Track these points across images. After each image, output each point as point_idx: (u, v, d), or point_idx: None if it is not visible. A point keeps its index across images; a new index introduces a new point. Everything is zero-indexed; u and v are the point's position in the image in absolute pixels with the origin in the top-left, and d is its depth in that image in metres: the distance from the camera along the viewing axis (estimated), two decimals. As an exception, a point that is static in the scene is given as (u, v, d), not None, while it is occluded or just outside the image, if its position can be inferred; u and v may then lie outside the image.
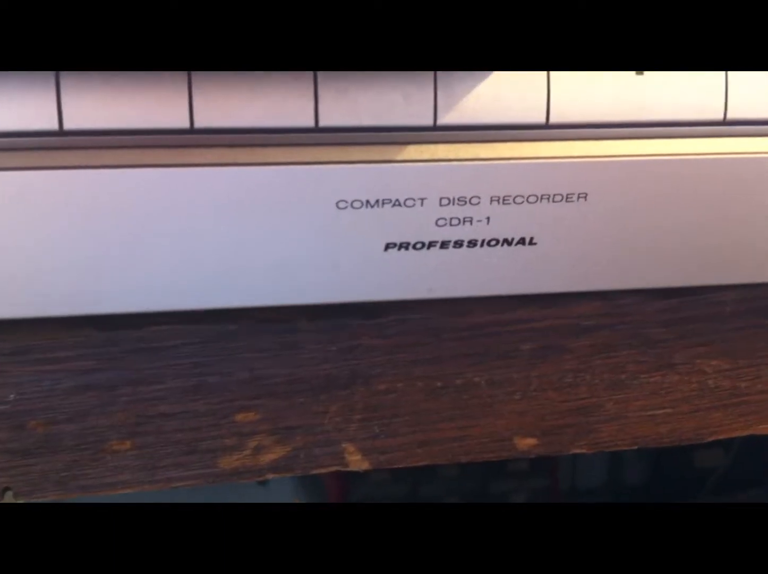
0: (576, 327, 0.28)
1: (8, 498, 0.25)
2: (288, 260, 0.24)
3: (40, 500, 0.25)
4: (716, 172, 0.25)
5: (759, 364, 0.29)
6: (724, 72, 0.24)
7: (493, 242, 0.25)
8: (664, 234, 0.26)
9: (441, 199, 0.24)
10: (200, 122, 0.22)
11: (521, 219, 0.24)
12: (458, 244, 0.24)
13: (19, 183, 0.21)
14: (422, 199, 0.23)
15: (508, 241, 0.25)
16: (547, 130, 0.24)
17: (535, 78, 0.23)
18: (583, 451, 0.28)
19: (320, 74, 0.22)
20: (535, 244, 0.25)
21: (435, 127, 0.23)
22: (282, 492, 0.51)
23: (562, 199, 0.24)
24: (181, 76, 0.21)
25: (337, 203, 0.23)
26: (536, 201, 0.24)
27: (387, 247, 0.24)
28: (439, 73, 0.23)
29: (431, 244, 0.24)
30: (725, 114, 0.24)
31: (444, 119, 0.23)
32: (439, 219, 0.24)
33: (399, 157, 0.23)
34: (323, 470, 0.27)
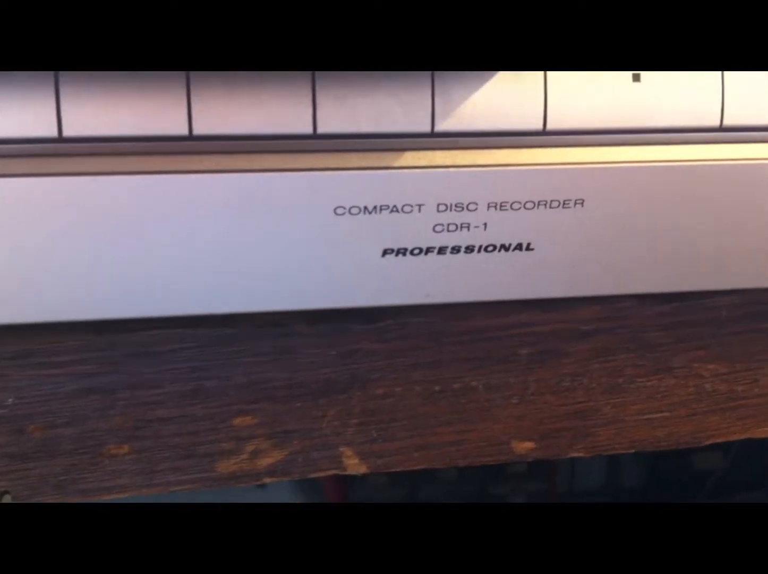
0: (576, 331, 0.28)
1: (6, 502, 0.25)
2: (286, 266, 0.24)
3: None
4: (712, 178, 0.25)
5: (756, 368, 0.29)
6: (720, 78, 0.24)
7: (490, 248, 0.25)
8: (660, 240, 0.26)
9: (438, 205, 0.24)
10: (199, 129, 0.22)
11: (518, 225, 0.24)
12: (455, 250, 0.24)
13: (19, 190, 0.21)
14: (420, 206, 0.24)
15: (505, 247, 0.25)
16: (544, 136, 0.24)
17: (532, 85, 0.23)
18: (581, 455, 0.28)
19: (318, 81, 0.22)
20: (532, 249, 0.25)
21: (432, 134, 0.23)
22: (280, 495, 0.51)
23: (558, 206, 0.24)
24: (180, 83, 0.21)
25: (335, 209, 0.23)
26: (533, 207, 0.24)
27: (385, 253, 0.24)
28: (436, 80, 0.23)
29: (429, 250, 0.24)
30: (722, 121, 0.24)
31: (441, 126, 0.23)
32: (436, 225, 0.24)
33: (397, 164, 0.23)
34: (321, 474, 0.27)
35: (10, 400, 0.24)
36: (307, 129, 0.22)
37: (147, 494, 0.26)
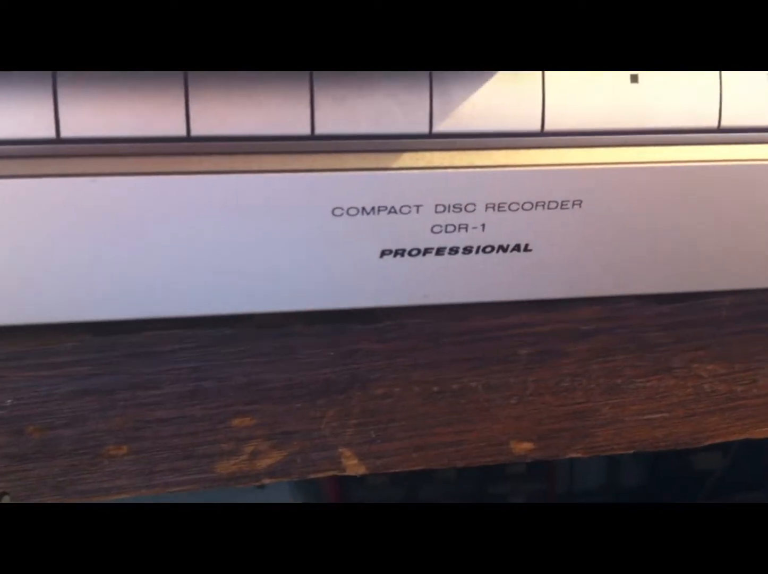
0: (575, 331, 0.28)
1: (5, 503, 0.25)
2: (284, 267, 0.24)
3: (37, 504, 0.25)
4: (710, 179, 0.25)
5: (755, 368, 0.29)
6: (718, 79, 0.24)
7: (488, 249, 0.25)
8: (658, 241, 0.26)
9: (436, 206, 0.24)
10: (197, 130, 0.22)
11: (516, 226, 0.24)
12: (454, 250, 0.24)
13: (17, 191, 0.21)
14: (418, 206, 0.24)
15: (503, 248, 0.25)
16: (542, 137, 0.24)
17: (530, 86, 0.23)
18: (580, 455, 0.28)
19: (316, 81, 0.22)
20: (530, 250, 0.25)
21: (431, 135, 0.23)
22: (279, 496, 0.51)
23: (557, 206, 0.24)
24: (178, 83, 0.21)
25: (333, 210, 0.23)
26: (531, 208, 0.24)
27: (383, 253, 0.24)
28: (435, 80, 0.23)
29: (427, 251, 0.24)
30: (719, 122, 0.24)
31: (440, 127, 0.23)
32: (434, 226, 0.24)
33: (395, 165, 0.23)
34: (320, 475, 0.27)
35: (9, 401, 0.24)
36: (305, 130, 0.22)
37: (146, 494, 0.26)
